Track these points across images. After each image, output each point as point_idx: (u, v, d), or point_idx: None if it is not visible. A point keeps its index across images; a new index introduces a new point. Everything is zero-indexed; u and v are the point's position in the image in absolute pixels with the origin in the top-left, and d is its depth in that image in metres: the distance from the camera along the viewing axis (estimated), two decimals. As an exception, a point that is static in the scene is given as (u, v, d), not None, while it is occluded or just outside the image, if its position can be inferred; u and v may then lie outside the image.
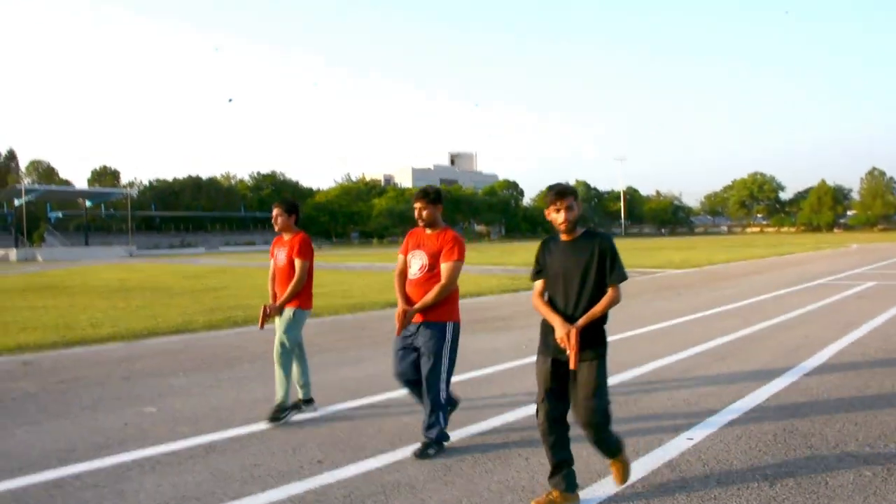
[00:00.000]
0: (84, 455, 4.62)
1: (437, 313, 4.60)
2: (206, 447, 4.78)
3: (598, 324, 3.62)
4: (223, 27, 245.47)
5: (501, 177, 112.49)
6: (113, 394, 6.47)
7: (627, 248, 42.27)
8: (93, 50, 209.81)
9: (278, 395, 5.41)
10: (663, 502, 3.69)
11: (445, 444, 4.62)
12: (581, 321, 3.54)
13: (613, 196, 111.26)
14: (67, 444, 4.90)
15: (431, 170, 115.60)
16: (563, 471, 3.66)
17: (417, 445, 4.56)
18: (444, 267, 4.59)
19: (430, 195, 4.72)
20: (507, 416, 5.38)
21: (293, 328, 5.52)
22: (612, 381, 6.47)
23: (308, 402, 5.66)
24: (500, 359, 7.65)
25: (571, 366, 3.51)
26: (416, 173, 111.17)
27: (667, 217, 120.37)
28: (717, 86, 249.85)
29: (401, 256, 4.86)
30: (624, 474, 3.83)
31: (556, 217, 3.66)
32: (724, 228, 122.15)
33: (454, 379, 4.83)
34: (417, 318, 4.61)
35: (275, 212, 5.71)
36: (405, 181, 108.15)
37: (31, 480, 4.16)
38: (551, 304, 3.71)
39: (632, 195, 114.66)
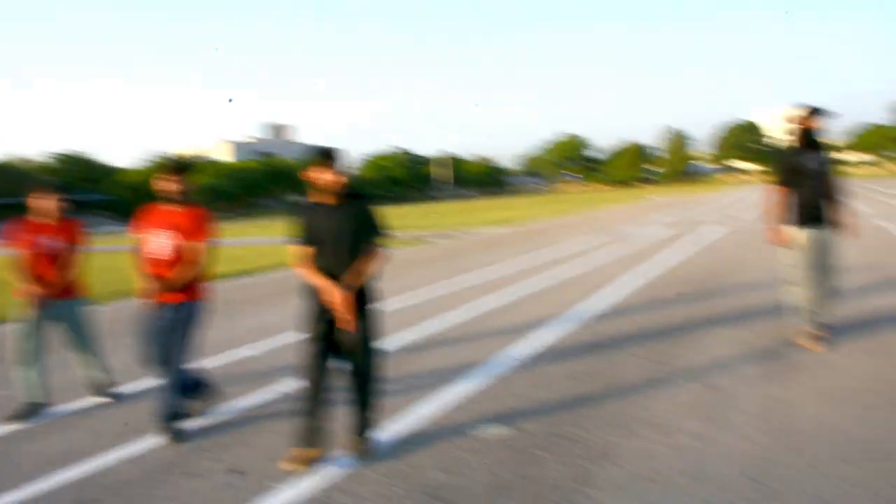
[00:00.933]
0: (-54, 436, 4.65)
1: (183, 293, 4.37)
2: (74, 414, 4.95)
3: (367, 283, 3.80)
4: None
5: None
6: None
7: (449, 211, 44.01)
8: None
9: (96, 377, 5.29)
10: (492, 407, 4.53)
11: (181, 424, 4.39)
12: (348, 282, 3.68)
13: (434, 162, 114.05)
14: (-79, 429, 4.86)
15: (251, 142, 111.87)
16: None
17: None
18: (192, 245, 4.36)
19: (174, 168, 4.47)
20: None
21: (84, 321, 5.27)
22: (449, 320, 7.39)
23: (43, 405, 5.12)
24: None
25: (351, 329, 3.70)
26: (238, 147, 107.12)
27: (487, 179, 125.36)
28: (523, 54, 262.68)
29: (138, 235, 4.53)
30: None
31: (320, 179, 3.69)
32: (541, 187, 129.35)
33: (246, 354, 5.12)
34: (165, 298, 4.36)
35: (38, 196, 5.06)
36: (225, 156, 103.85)
37: None
38: (320, 268, 3.74)
39: (453, 160, 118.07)
